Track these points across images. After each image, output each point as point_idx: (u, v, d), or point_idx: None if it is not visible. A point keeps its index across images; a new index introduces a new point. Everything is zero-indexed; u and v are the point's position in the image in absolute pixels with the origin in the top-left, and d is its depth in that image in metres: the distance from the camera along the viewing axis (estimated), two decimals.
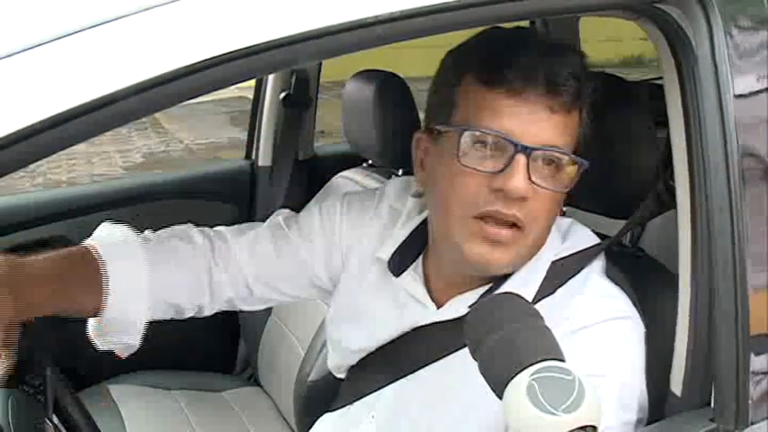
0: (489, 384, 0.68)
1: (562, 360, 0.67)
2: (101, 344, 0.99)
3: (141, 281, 0.98)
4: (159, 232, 1.06)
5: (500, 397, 0.67)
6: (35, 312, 0.92)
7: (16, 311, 0.87)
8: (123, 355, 1.02)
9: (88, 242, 1.00)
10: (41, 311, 0.93)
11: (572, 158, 0.90)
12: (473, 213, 0.89)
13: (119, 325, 0.97)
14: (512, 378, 0.66)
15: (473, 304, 0.94)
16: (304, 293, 1.12)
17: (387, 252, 1.04)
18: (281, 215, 1.11)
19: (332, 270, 1.09)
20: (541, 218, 0.91)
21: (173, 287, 1.02)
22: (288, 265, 1.08)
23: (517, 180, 0.86)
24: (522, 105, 0.87)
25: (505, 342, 0.68)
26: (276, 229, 1.09)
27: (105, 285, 0.95)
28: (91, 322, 0.98)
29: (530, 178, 0.87)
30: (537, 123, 0.88)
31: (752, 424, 0.92)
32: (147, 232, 1.04)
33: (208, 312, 1.08)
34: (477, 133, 0.89)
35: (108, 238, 1.01)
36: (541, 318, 0.72)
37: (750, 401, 0.92)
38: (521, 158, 0.87)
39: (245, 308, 1.12)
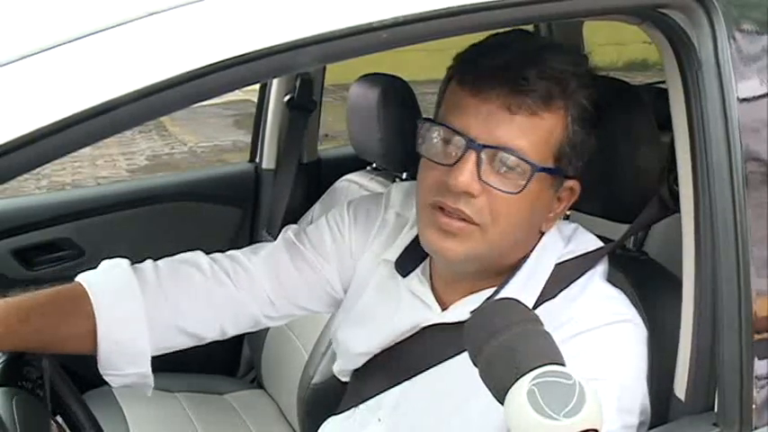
0: (490, 390, 0.69)
1: (562, 365, 0.67)
2: (113, 380, 1.00)
3: (135, 308, 0.98)
4: (169, 259, 1.06)
5: (501, 403, 0.67)
6: (24, 349, 0.93)
7: None
8: (148, 392, 1.03)
9: (80, 276, 1.00)
10: (27, 346, 0.94)
11: (525, 161, 0.88)
12: (428, 202, 0.92)
13: (121, 356, 0.97)
14: (512, 384, 0.66)
15: (476, 310, 0.94)
16: (321, 306, 1.13)
17: (394, 254, 1.05)
18: (290, 231, 1.12)
19: (344, 280, 1.11)
20: (501, 219, 0.90)
21: (188, 314, 1.02)
22: (306, 279, 1.09)
23: (462, 175, 0.87)
24: (483, 104, 0.89)
25: (505, 348, 0.68)
26: (290, 246, 1.10)
27: (95, 315, 0.96)
28: (98, 357, 0.98)
29: (479, 175, 0.88)
30: (495, 123, 0.88)
31: (755, 429, 0.92)
32: (159, 262, 1.05)
33: (232, 334, 1.08)
34: (436, 126, 0.91)
35: (105, 270, 1.02)
36: (541, 323, 0.72)
37: (753, 406, 0.91)
38: (471, 154, 0.88)
39: (270, 324, 1.12)
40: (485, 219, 0.90)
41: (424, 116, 0.96)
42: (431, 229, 0.92)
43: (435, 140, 0.91)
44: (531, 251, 0.97)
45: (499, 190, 0.89)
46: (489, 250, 0.93)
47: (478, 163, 0.88)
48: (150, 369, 1.00)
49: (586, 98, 0.92)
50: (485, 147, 0.88)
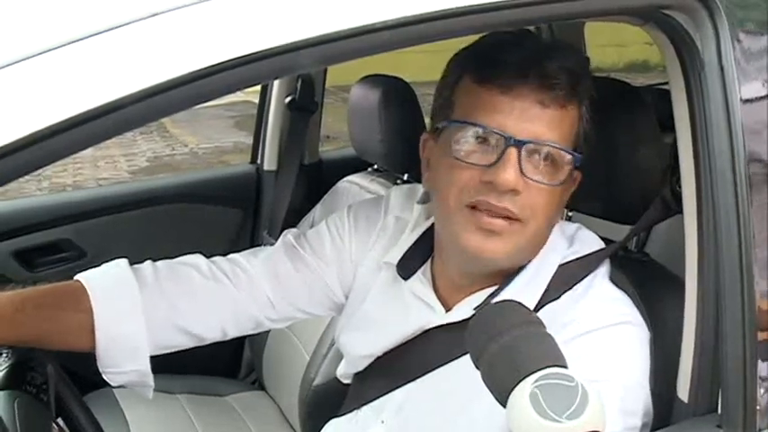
0: (492, 393, 0.69)
1: (564, 367, 0.67)
2: (113, 379, 1.00)
3: (133, 304, 0.98)
4: (167, 261, 1.06)
5: (504, 405, 0.67)
6: (19, 340, 0.93)
7: None
8: (149, 395, 1.02)
9: (79, 274, 1.01)
10: (25, 339, 0.94)
11: (565, 152, 0.90)
12: (466, 203, 0.91)
13: (119, 352, 0.97)
14: (514, 386, 0.65)
15: (479, 306, 0.94)
16: (321, 310, 1.13)
17: (395, 257, 1.05)
18: (290, 234, 1.12)
19: (344, 284, 1.11)
20: (539, 212, 0.91)
21: (187, 313, 1.02)
22: (306, 282, 1.09)
23: (508, 173, 0.87)
24: (514, 101, 0.89)
25: (507, 350, 0.68)
26: (290, 249, 1.10)
27: (93, 310, 0.96)
28: (97, 353, 0.98)
29: (521, 172, 0.88)
30: (529, 118, 0.89)
31: (759, 431, 0.92)
32: (158, 263, 1.05)
33: (233, 335, 1.08)
34: (470, 127, 0.91)
35: (103, 269, 1.02)
36: (543, 325, 0.72)
37: (757, 408, 0.91)
38: (512, 152, 0.88)
39: (273, 326, 1.12)
40: (526, 214, 0.90)
41: (454, 119, 0.94)
42: (470, 230, 0.90)
43: (470, 141, 0.91)
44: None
45: (543, 183, 0.89)
46: (528, 245, 0.93)
47: (520, 159, 0.88)
48: (149, 367, 1.00)
49: (593, 89, 0.94)
50: (524, 142, 0.88)
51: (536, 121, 0.89)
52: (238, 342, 2.01)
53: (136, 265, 1.03)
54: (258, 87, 2.10)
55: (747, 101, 0.89)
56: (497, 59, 0.90)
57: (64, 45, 0.62)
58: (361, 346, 1.08)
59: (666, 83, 0.95)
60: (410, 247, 1.04)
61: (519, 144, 0.88)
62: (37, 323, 0.95)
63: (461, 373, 0.93)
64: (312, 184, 2.06)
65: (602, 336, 0.90)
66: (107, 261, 1.04)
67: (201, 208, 2.02)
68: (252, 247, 1.21)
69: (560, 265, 0.97)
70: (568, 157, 0.91)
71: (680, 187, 0.94)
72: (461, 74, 0.94)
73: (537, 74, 0.89)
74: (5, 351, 0.94)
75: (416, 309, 1.02)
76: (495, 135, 0.89)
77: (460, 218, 0.91)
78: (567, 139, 0.91)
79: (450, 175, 0.92)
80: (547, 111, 0.89)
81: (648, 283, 1.02)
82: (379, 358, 1.06)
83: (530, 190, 0.89)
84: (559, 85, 0.89)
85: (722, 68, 0.88)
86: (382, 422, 1.04)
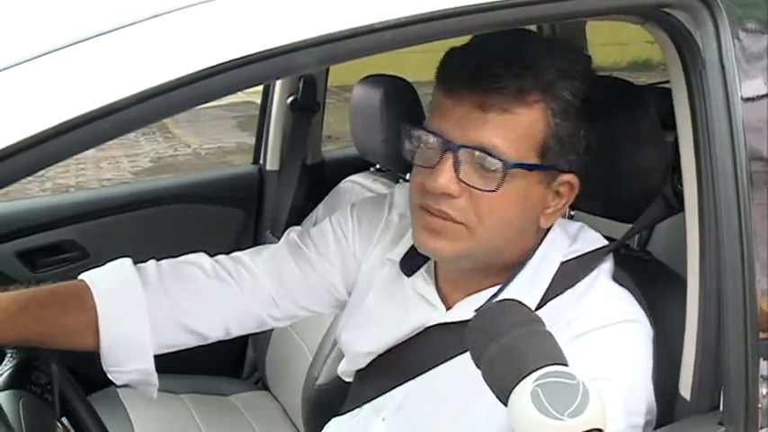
0: (494, 392, 0.69)
1: (565, 365, 0.67)
2: (117, 378, 1.00)
3: (137, 302, 0.98)
4: (171, 260, 1.06)
5: (505, 404, 0.67)
6: (22, 340, 0.94)
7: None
8: (153, 394, 1.03)
9: (82, 274, 1.01)
10: (28, 339, 0.94)
11: (497, 158, 0.88)
12: (416, 204, 0.94)
13: (123, 351, 0.98)
14: (515, 385, 0.66)
15: (481, 308, 0.94)
16: (325, 308, 1.14)
17: (398, 254, 1.05)
18: (293, 233, 1.13)
19: (348, 282, 1.11)
20: (486, 218, 0.90)
21: (190, 312, 1.03)
22: (309, 280, 1.09)
23: (441, 177, 0.89)
24: (457, 106, 0.89)
25: (508, 349, 0.68)
26: (293, 247, 1.10)
27: (97, 308, 0.96)
28: (101, 353, 0.98)
29: (458, 176, 0.88)
30: (470, 122, 0.89)
31: (761, 428, 0.92)
32: (161, 262, 1.05)
33: (236, 333, 1.09)
34: (419, 131, 0.93)
35: (107, 268, 1.03)
36: (543, 323, 0.72)
37: (759, 405, 0.91)
38: (448, 156, 0.89)
39: (276, 325, 1.12)
40: (470, 218, 0.90)
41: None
42: (420, 229, 0.94)
43: (417, 145, 0.93)
44: (536, 249, 0.97)
45: (477, 189, 0.89)
46: (480, 248, 0.93)
47: (456, 164, 0.88)
48: (153, 366, 1.00)
49: (570, 90, 0.90)
50: (461, 147, 0.88)
51: (476, 126, 0.88)
52: (242, 342, 2.01)
53: (140, 265, 1.04)
54: (260, 88, 2.11)
55: (748, 99, 0.89)
56: (455, 63, 0.91)
57: (65, 47, 0.62)
58: (362, 343, 1.09)
59: (668, 81, 0.95)
60: (413, 245, 1.05)
61: (455, 148, 0.88)
62: (40, 323, 0.95)
63: (462, 372, 0.93)
64: (314, 183, 2.06)
65: (605, 334, 0.90)
66: (110, 261, 1.04)
67: (204, 208, 2.02)
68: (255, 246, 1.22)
69: (562, 263, 0.97)
70: (498, 163, 0.87)
71: (681, 185, 0.94)
72: (436, 79, 0.95)
73: (481, 78, 0.87)
74: (10, 351, 0.94)
75: (417, 306, 1.02)
76: (435, 139, 0.90)
77: (415, 217, 0.95)
78: (514, 145, 0.88)
79: (411, 176, 0.96)
80: (487, 116, 0.88)
81: (650, 281, 1.02)
82: (380, 356, 1.06)
83: (470, 195, 0.89)
84: (503, 89, 0.87)
85: (723, 67, 0.88)
86: (383, 420, 1.04)
